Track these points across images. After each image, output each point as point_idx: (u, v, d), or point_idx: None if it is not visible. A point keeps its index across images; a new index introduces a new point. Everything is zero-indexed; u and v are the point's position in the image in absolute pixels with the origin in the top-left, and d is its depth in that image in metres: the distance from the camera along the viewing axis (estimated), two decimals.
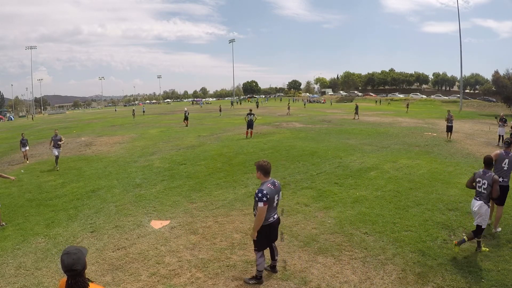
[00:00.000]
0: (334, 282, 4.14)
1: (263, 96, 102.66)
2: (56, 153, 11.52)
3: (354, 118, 26.60)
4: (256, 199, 3.81)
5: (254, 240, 4.09)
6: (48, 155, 14.82)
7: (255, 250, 4.12)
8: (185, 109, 28.13)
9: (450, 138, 15.02)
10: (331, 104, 59.70)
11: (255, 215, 3.90)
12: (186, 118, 25.09)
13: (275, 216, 4.08)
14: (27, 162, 13.34)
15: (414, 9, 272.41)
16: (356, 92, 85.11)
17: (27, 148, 14.07)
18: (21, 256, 5.19)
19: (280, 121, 25.28)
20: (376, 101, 64.54)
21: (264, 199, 3.76)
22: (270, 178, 4.00)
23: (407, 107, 36.69)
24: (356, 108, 27.62)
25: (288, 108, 35.11)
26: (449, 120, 15.11)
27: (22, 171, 11.59)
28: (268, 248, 4.26)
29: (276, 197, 3.98)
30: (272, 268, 4.39)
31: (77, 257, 2.03)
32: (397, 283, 4.07)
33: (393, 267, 4.41)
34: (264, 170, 3.92)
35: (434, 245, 4.94)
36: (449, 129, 15.11)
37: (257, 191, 3.84)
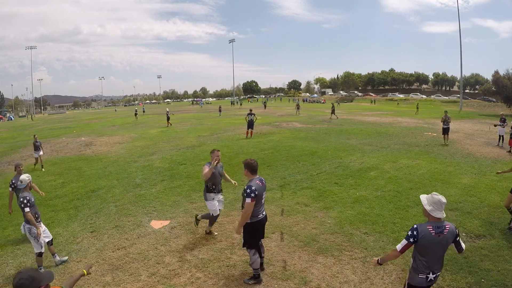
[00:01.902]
0: (334, 282, 4.14)
1: (263, 96, 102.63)
2: (218, 210, 5.47)
3: (330, 118, 26.88)
4: (244, 195, 3.86)
5: (244, 238, 4.14)
6: (48, 155, 14.79)
7: (246, 248, 4.17)
8: (167, 110, 28.45)
9: (447, 141, 13.78)
10: (339, 104, 58.91)
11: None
12: (168, 119, 25.20)
13: (264, 213, 4.17)
14: (42, 170, 11.55)
15: (414, 9, 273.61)
16: (356, 92, 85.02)
17: (41, 152, 12.12)
18: (21, 256, 5.19)
19: (280, 121, 25.28)
20: (371, 101, 64.57)
21: (252, 195, 3.82)
22: (257, 175, 4.11)
23: (417, 108, 36.47)
24: (333, 108, 28.41)
25: (298, 108, 35.33)
26: (445, 121, 13.83)
27: None
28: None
29: (263, 194, 4.10)
30: (260, 265, 4.39)
31: (23, 284, 1.90)
32: (397, 283, 4.07)
33: (393, 267, 4.41)
34: (251, 168, 4.04)
35: None
36: (445, 131, 13.84)
37: (245, 187, 3.90)
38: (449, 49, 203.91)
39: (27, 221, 4.64)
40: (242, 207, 3.95)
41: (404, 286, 3.17)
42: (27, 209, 4.59)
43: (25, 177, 4.87)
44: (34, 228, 4.63)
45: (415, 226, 2.89)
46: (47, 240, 4.87)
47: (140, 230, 5.97)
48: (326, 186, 8.08)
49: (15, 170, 5.92)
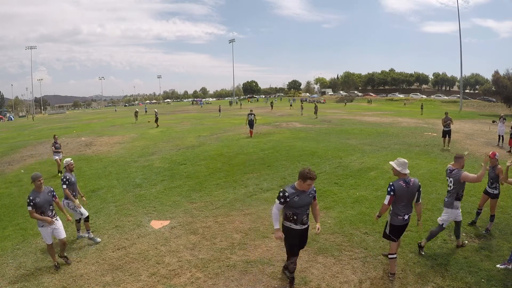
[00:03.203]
0: (334, 282, 4.15)
1: (264, 96, 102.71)
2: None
3: (316, 117, 27.82)
4: (315, 198, 3.98)
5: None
6: (48, 155, 14.78)
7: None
8: (155, 110, 28.81)
9: (447, 145, 12.78)
10: (345, 104, 58.47)
11: (304, 218, 3.91)
12: (156, 119, 25.13)
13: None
14: (59, 174, 10.26)
15: (414, 9, 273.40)
16: (356, 92, 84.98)
17: (62, 155, 10.89)
18: (21, 256, 5.19)
19: (280, 121, 25.27)
20: (368, 101, 65.11)
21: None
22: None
23: (422, 109, 36.35)
24: (315, 107, 29.56)
25: (302, 108, 35.33)
26: (446, 123, 12.88)
27: (22, 171, 11.58)
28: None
29: None
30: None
31: None
32: (397, 283, 4.08)
33: None
34: None
35: (434, 245, 4.94)
36: (446, 134, 12.84)
37: (314, 190, 3.96)
38: (449, 49, 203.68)
39: (66, 197, 5.54)
40: (305, 212, 3.89)
41: (386, 227, 4.26)
42: (64, 186, 5.51)
43: (67, 159, 5.94)
44: (72, 202, 5.54)
45: (391, 183, 4.06)
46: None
47: (140, 230, 5.97)
48: (326, 186, 8.08)
49: (32, 183, 4.64)
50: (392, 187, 4.00)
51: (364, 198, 7.11)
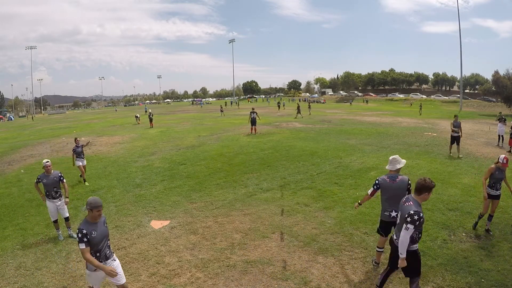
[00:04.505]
0: (334, 282, 4.15)
1: (264, 96, 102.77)
2: None
3: (296, 117, 28.20)
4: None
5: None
6: (48, 155, 14.80)
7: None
8: (150, 111, 28.93)
9: (458, 152, 11.22)
10: (351, 104, 58.32)
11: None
12: (150, 120, 25.07)
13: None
14: (86, 184, 9.33)
15: (414, 9, 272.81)
16: (356, 92, 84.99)
17: (85, 161, 9.82)
18: (21, 256, 5.19)
19: (280, 121, 25.25)
20: (363, 101, 65.68)
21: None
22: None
23: (420, 109, 36.28)
24: (298, 107, 29.85)
25: (309, 107, 35.00)
26: (455, 129, 11.35)
27: (22, 171, 11.58)
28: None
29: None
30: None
31: None
32: (397, 283, 4.08)
33: None
34: None
35: (434, 245, 4.94)
36: (455, 140, 11.34)
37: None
38: (449, 49, 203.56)
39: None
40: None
41: (378, 222, 4.42)
42: (35, 182, 5.94)
43: (44, 160, 6.07)
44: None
45: (377, 177, 4.28)
46: (53, 219, 5.91)
47: (140, 230, 5.97)
48: (326, 186, 8.08)
49: (87, 210, 3.30)
50: (376, 182, 4.23)
51: None
